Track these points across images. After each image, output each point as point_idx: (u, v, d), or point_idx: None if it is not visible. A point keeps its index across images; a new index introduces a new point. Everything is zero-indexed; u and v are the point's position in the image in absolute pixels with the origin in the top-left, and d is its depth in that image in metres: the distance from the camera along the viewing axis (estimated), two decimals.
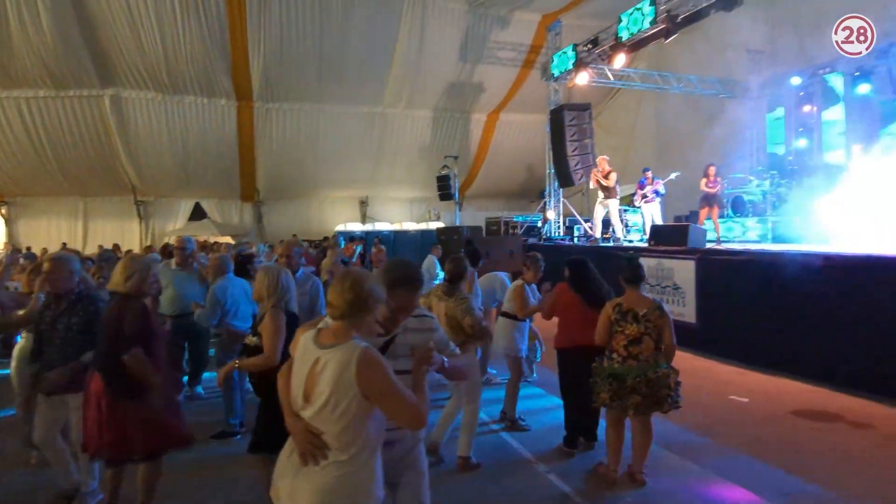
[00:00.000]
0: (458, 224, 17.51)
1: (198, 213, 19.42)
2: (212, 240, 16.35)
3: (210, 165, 18.06)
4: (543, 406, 5.47)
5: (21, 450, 4.18)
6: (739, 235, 10.87)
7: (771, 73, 13.39)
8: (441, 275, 7.74)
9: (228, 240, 16.93)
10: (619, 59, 11.88)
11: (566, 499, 3.71)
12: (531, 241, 13.98)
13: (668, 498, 3.68)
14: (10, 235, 17.67)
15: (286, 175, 19.14)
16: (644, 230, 11.39)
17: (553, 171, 14.34)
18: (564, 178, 13.61)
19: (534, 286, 5.21)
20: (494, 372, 6.45)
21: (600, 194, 11.45)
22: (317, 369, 1.88)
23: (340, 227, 19.04)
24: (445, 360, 2.25)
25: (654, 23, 10.55)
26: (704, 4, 9.62)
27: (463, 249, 6.71)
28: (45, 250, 13.34)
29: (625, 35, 11.30)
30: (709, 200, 9.82)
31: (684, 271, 7.91)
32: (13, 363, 4.22)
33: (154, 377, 3.03)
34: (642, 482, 3.79)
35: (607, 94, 19.23)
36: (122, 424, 3.01)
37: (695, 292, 7.71)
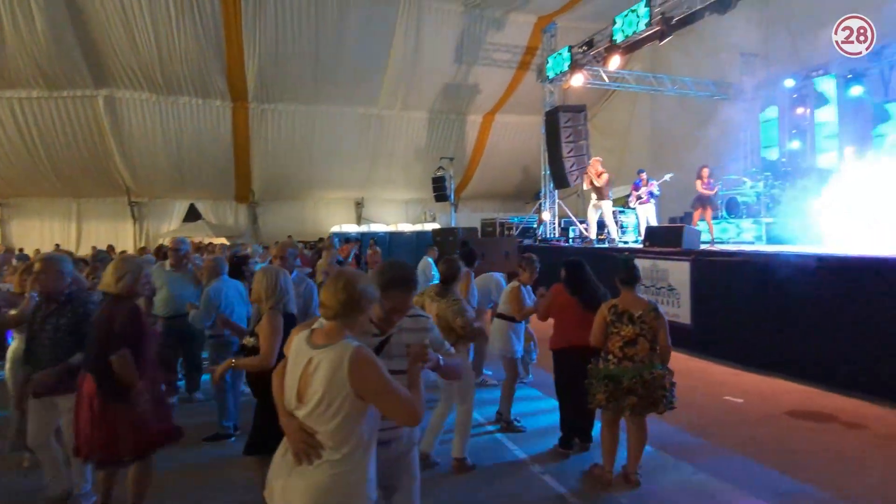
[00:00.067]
0: (453, 225, 17.51)
1: (192, 215, 19.34)
2: (206, 241, 16.29)
3: (205, 166, 18.00)
4: (539, 407, 5.47)
5: (14, 452, 4.15)
6: (734, 237, 10.92)
7: (764, 75, 13.47)
8: (437, 276, 7.71)
9: (223, 241, 16.89)
10: (614, 61, 11.93)
11: (561, 500, 3.71)
12: (527, 242, 13.99)
13: (663, 499, 3.68)
14: (3, 237, 17.55)
15: (281, 176, 19.11)
16: (639, 231, 11.43)
17: (548, 172, 14.37)
18: (560, 180, 13.64)
19: (529, 287, 5.22)
20: (490, 373, 6.44)
21: (593, 196, 11.50)
22: (310, 369, 1.89)
23: (336, 229, 19.01)
24: (441, 358, 2.26)
25: (648, 25, 10.60)
26: (699, 7, 9.67)
27: (458, 251, 6.70)
28: (37, 251, 13.28)
29: (619, 37, 11.34)
30: (702, 202, 9.87)
31: (679, 272, 7.93)
32: (7, 364, 4.18)
33: (136, 379, 3.01)
34: (637, 483, 3.79)
35: (602, 95, 19.30)
36: (112, 426, 2.99)
37: (689, 293, 7.74)
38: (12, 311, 3.96)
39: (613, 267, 3.97)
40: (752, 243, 10.16)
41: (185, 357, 5.90)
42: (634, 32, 10.96)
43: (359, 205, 21.45)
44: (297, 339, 2.01)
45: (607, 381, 3.69)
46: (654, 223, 10.97)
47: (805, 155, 12.34)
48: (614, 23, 11.46)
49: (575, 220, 14.57)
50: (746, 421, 5.12)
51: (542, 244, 13.46)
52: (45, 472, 3.52)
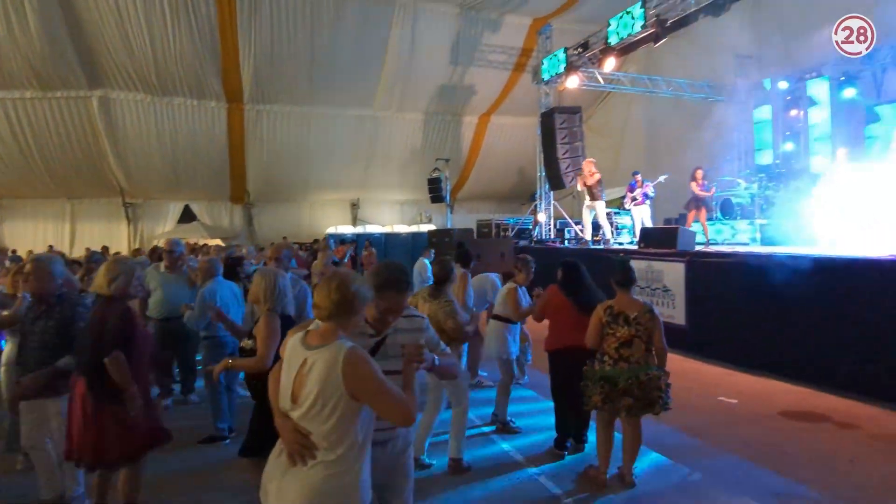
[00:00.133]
0: (449, 226, 17.51)
1: (187, 216, 19.27)
2: (201, 242, 16.22)
3: (200, 167, 17.94)
4: (534, 408, 5.47)
5: (8, 454, 4.12)
6: (729, 238, 10.96)
7: (758, 76, 13.55)
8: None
9: (218, 242, 16.83)
10: (609, 63, 11.97)
11: (556, 501, 3.71)
12: (522, 243, 14.01)
13: (658, 499, 3.69)
14: None
15: (276, 177, 19.07)
16: (634, 233, 11.46)
17: (544, 173, 14.40)
18: (555, 181, 13.67)
19: (524, 288, 5.22)
20: (486, 374, 6.45)
21: (587, 197, 11.53)
22: (304, 370, 1.90)
23: (331, 230, 18.96)
24: (436, 358, 2.28)
25: (643, 27, 10.64)
26: (693, 9, 9.71)
27: (454, 252, 6.70)
28: (30, 252, 13.19)
29: (614, 39, 11.38)
30: (696, 203, 9.90)
31: (674, 273, 7.96)
32: (2, 367, 4.16)
33: (130, 382, 3.00)
34: (632, 483, 3.80)
35: (597, 97, 19.36)
36: (102, 428, 2.97)
37: (684, 295, 7.77)
38: (5, 312, 3.93)
39: (608, 268, 3.98)
40: (747, 245, 10.20)
41: (179, 359, 5.88)
42: (629, 34, 11.01)
43: (354, 206, 21.43)
44: (292, 341, 2.02)
45: (603, 382, 3.70)
46: (648, 224, 11.01)
47: (799, 157, 12.41)
48: (609, 25, 11.49)
49: (570, 221, 14.59)
50: (740, 421, 5.14)
51: (538, 245, 13.47)
52: (39, 475, 3.50)
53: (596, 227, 11.92)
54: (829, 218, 7.53)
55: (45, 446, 3.48)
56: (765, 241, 9.94)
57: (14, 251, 13.85)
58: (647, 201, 11.23)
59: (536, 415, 5.25)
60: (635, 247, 9.78)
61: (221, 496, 3.75)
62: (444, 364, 2.38)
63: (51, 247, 16.06)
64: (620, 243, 12.06)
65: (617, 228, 13.35)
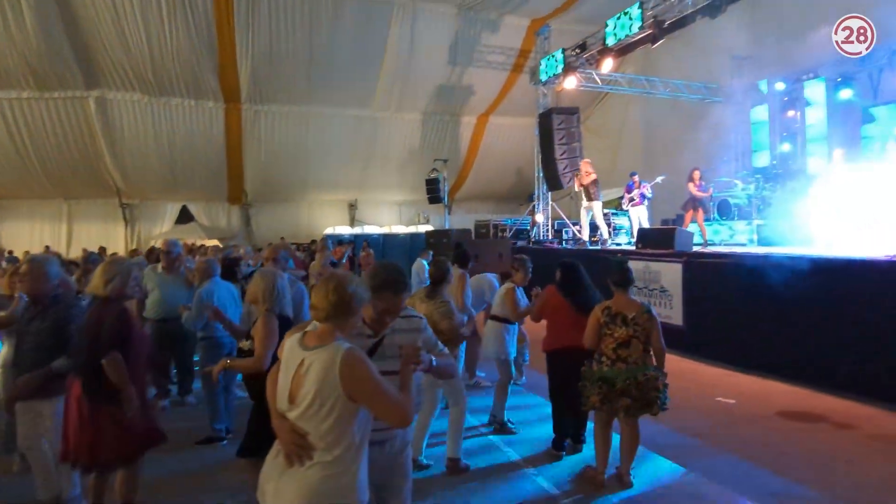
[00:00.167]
0: (447, 227, 17.51)
1: (185, 216, 19.22)
2: (199, 243, 16.19)
3: (197, 168, 17.89)
4: (532, 409, 5.47)
5: (4, 456, 4.11)
6: (726, 239, 10.99)
7: (755, 77, 13.58)
8: None
9: (216, 243, 16.79)
10: (607, 64, 11.98)
11: (554, 501, 3.71)
12: (520, 243, 14.02)
13: (656, 500, 3.69)
14: None
15: (274, 178, 19.03)
16: (631, 233, 11.47)
17: (542, 174, 14.40)
18: (553, 182, 13.68)
19: (521, 289, 5.21)
20: (483, 375, 6.44)
21: (583, 198, 11.55)
22: (302, 371, 1.90)
23: (329, 231, 18.93)
24: (434, 359, 2.29)
25: (641, 28, 10.65)
26: (690, 10, 9.74)
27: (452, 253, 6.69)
28: (27, 253, 13.15)
29: (612, 40, 11.40)
30: (694, 203, 9.92)
31: (671, 274, 7.97)
32: None
33: (128, 383, 2.98)
34: (630, 484, 3.80)
35: (595, 97, 19.38)
36: (98, 429, 2.96)
37: (681, 295, 7.78)
38: (1, 314, 3.92)
39: (606, 268, 3.98)
40: (744, 245, 10.22)
41: (176, 360, 5.86)
42: (627, 35, 11.03)
43: (352, 206, 21.40)
44: (290, 341, 2.03)
45: (601, 382, 3.70)
46: (646, 225, 11.03)
47: (795, 157, 12.45)
48: (607, 26, 11.51)
49: (568, 221, 14.61)
50: (738, 422, 5.15)
51: (536, 246, 13.49)
52: (36, 476, 3.48)
53: (594, 227, 11.93)
54: (825, 218, 7.55)
55: (42, 447, 3.47)
56: (761, 242, 9.96)
57: (10, 252, 13.80)
58: (645, 202, 11.25)
59: (534, 415, 5.24)
60: (633, 247, 9.80)
61: (219, 497, 3.74)
62: (442, 365, 2.38)
63: (47, 247, 15.99)
64: (618, 244, 12.07)
65: (614, 229, 13.36)
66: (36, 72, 14.59)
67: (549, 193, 14.75)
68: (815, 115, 12.18)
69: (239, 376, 4.95)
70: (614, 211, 13.73)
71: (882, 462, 4.21)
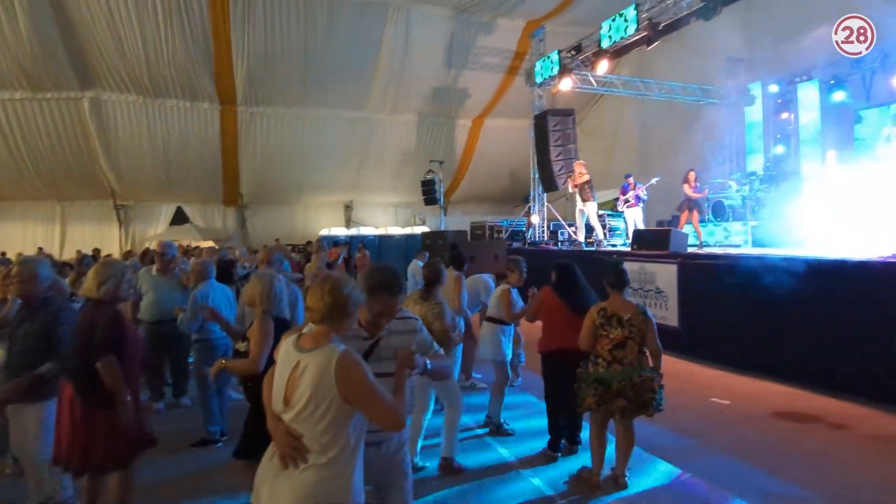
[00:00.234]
0: (443, 228, 17.50)
1: (180, 218, 19.16)
2: (194, 245, 16.14)
3: (192, 169, 17.84)
4: (527, 410, 5.47)
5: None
6: (722, 240, 11.03)
7: (749, 79, 13.66)
8: None
9: (211, 244, 16.74)
10: (602, 66, 12.01)
11: (550, 502, 3.71)
12: (516, 245, 14.03)
13: (651, 500, 3.70)
14: None
15: (270, 179, 19.00)
16: (627, 235, 11.51)
17: (537, 175, 14.43)
18: (548, 183, 13.70)
19: (516, 290, 5.21)
20: (479, 376, 6.44)
21: (578, 200, 11.58)
22: (297, 373, 1.90)
23: (325, 232, 18.91)
24: (428, 363, 2.28)
25: (636, 30, 10.69)
26: (685, 13, 9.77)
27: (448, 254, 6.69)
28: (20, 255, 13.06)
29: (607, 42, 11.42)
30: (689, 205, 9.95)
31: (666, 275, 7.99)
32: None
33: (123, 386, 2.96)
34: (625, 485, 3.81)
35: (590, 99, 19.43)
36: (90, 432, 2.94)
37: (676, 296, 7.80)
38: None
39: (601, 269, 3.99)
40: (738, 246, 10.26)
41: (171, 362, 5.83)
42: (622, 37, 11.05)
43: (348, 208, 21.39)
44: (286, 343, 2.02)
45: (597, 384, 3.70)
46: (641, 226, 11.06)
47: (789, 159, 12.51)
48: (602, 28, 11.54)
49: (563, 223, 14.63)
50: (733, 422, 5.16)
51: (531, 247, 13.51)
52: (28, 479, 3.46)
53: (589, 228, 11.96)
54: (819, 220, 7.60)
55: (33, 450, 3.44)
56: (756, 243, 10.00)
57: (3, 254, 13.73)
58: (640, 203, 11.28)
59: (530, 417, 5.24)
60: (628, 249, 9.82)
61: (214, 499, 3.73)
62: (437, 367, 2.38)
63: (40, 249, 15.91)
64: (613, 245, 12.09)
65: (610, 231, 13.39)
66: (29, 74, 14.53)
67: (545, 195, 14.78)
68: (809, 117, 12.25)
69: (233, 379, 4.94)
70: (609, 212, 13.76)
71: (878, 462, 4.23)
